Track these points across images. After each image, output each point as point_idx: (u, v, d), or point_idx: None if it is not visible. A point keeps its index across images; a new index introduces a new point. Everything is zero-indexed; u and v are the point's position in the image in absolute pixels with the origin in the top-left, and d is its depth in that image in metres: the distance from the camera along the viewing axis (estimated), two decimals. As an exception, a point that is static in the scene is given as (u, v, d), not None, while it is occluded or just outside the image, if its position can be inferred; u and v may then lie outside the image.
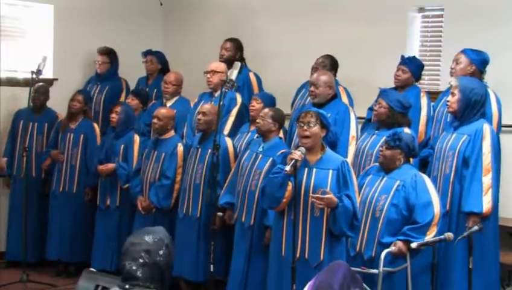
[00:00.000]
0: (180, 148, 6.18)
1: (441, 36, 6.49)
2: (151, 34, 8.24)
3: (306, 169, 4.63)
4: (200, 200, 5.88)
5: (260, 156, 5.43)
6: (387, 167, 4.92)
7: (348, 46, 6.87)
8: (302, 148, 4.52)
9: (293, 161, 4.43)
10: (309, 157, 4.62)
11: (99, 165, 6.57)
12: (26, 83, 6.91)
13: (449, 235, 4.55)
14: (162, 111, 6.26)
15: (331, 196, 4.49)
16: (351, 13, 6.93)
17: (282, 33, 7.37)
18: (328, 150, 4.75)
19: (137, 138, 6.56)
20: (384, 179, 4.90)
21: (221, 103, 5.35)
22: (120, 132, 6.55)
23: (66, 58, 7.56)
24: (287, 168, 4.43)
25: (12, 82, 7.18)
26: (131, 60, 7.46)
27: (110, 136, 6.67)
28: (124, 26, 7.99)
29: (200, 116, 5.91)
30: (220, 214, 5.63)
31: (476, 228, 4.63)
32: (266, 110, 5.54)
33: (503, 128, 5.95)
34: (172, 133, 6.29)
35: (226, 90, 5.52)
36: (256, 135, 5.64)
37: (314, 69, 6.13)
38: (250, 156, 5.49)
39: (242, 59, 6.83)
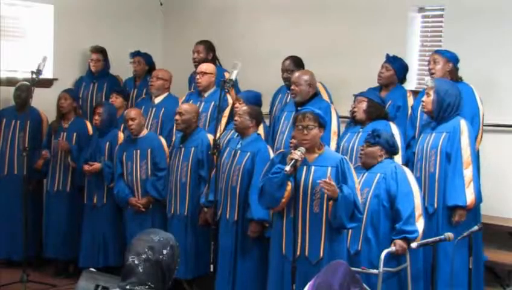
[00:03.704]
0: (163, 140, 6.30)
1: (441, 36, 6.50)
2: (151, 34, 8.25)
3: (305, 167, 4.63)
4: (187, 198, 5.92)
5: (239, 152, 5.50)
6: (368, 164, 5.01)
7: (348, 45, 6.88)
8: (302, 148, 4.52)
9: (293, 160, 4.43)
10: (307, 155, 4.62)
11: (84, 164, 6.55)
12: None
13: (449, 235, 4.55)
14: (133, 112, 6.30)
15: (334, 186, 4.48)
16: (350, 13, 6.94)
17: (281, 33, 7.39)
18: (326, 148, 4.78)
19: (121, 135, 6.57)
20: (366, 174, 5.00)
21: (220, 103, 5.37)
22: (104, 131, 6.55)
23: (66, 58, 7.57)
24: (287, 168, 4.43)
25: (12, 82, 7.16)
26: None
27: (95, 136, 6.67)
28: (124, 26, 7.99)
29: (177, 117, 5.97)
30: (205, 209, 5.72)
31: (475, 227, 4.64)
32: (244, 108, 5.62)
33: (501, 129, 5.99)
34: (146, 130, 6.34)
35: (227, 91, 5.52)
36: (237, 134, 5.68)
37: (283, 71, 6.24)
38: (230, 154, 5.57)
39: (216, 59, 6.93)
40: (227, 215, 5.46)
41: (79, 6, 7.68)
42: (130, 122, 6.20)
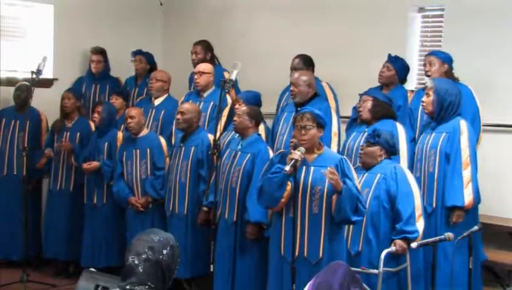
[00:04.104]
0: (162, 139, 6.30)
1: (441, 36, 6.50)
2: (151, 34, 8.24)
3: (304, 167, 4.63)
4: (187, 198, 5.91)
5: (239, 153, 5.49)
6: (368, 164, 5.00)
7: (348, 45, 6.88)
8: (302, 148, 4.52)
9: (293, 160, 4.43)
10: (307, 156, 4.62)
11: (83, 163, 6.55)
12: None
13: (449, 235, 4.55)
14: (133, 110, 6.31)
15: (337, 175, 4.47)
16: (350, 13, 6.94)
17: (281, 33, 7.39)
18: (325, 148, 4.78)
19: (120, 135, 6.57)
20: (366, 175, 4.99)
21: (220, 103, 5.37)
22: (103, 131, 6.55)
23: (66, 58, 7.57)
24: (287, 168, 4.42)
25: (12, 82, 7.16)
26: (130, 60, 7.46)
27: (93, 135, 6.67)
28: (124, 26, 7.99)
29: (178, 116, 5.97)
30: (204, 209, 5.72)
31: (475, 227, 4.64)
32: (243, 108, 5.62)
33: (500, 129, 5.99)
34: (146, 130, 6.34)
35: (227, 91, 5.52)
36: (237, 135, 5.69)
37: (292, 70, 6.21)
38: (230, 154, 5.56)
39: (214, 58, 6.92)
40: (226, 216, 5.46)
41: (79, 6, 7.68)
42: (129, 120, 6.20)
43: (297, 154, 4.46)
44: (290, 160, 4.46)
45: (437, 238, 4.59)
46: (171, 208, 5.98)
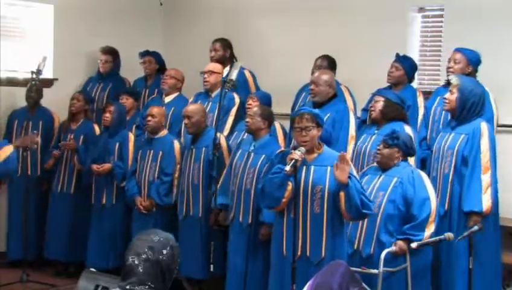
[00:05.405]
0: (177, 144, 6.23)
1: (441, 36, 6.50)
2: (151, 34, 8.24)
3: (304, 167, 4.63)
4: (201, 200, 5.88)
5: (252, 154, 5.47)
6: (384, 166, 4.96)
7: (348, 46, 6.87)
8: (302, 148, 4.53)
9: (293, 161, 4.44)
10: (306, 155, 4.62)
11: (93, 164, 6.54)
12: (26, 83, 6.94)
13: (449, 235, 4.55)
14: (155, 109, 6.28)
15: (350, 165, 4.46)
16: (350, 13, 6.93)
17: (282, 33, 7.38)
18: (325, 147, 4.77)
19: (131, 136, 6.58)
20: (382, 177, 4.95)
21: (222, 103, 5.37)
22: (114, 131, 6.55)
23: (66, 58, 7.56)
24: (287, 168, 4.43)
25: (12, 82, 7.17)
26: (130, 60, 7.46)
27: (104, 136, 6.66)
28: (124, 26, 7.98)
29: (186, 121, 5.94)
30: (216, 211, 5.68)
31: (475, 227, 4.63)
32: (255, 108, 5.60)
33: (504, 129, 5.97)
34: (165, 131, 6.32)
35: (227, 91, 5.52)
36: (247, 134, 5.67)
37: (314, 72, 6.15)
38: (243, 155, 5.53)
39: (233, 57, 6.89)
40: (241, 219, 5.43)
41: (79, 6, 7.68)
42: (149, 118, 6.19)
43: (297, 154, 4.47)
44: (290, 160, 4.46)
45: (437, 238, 4.59)
46: (184, 211, 5.95)
